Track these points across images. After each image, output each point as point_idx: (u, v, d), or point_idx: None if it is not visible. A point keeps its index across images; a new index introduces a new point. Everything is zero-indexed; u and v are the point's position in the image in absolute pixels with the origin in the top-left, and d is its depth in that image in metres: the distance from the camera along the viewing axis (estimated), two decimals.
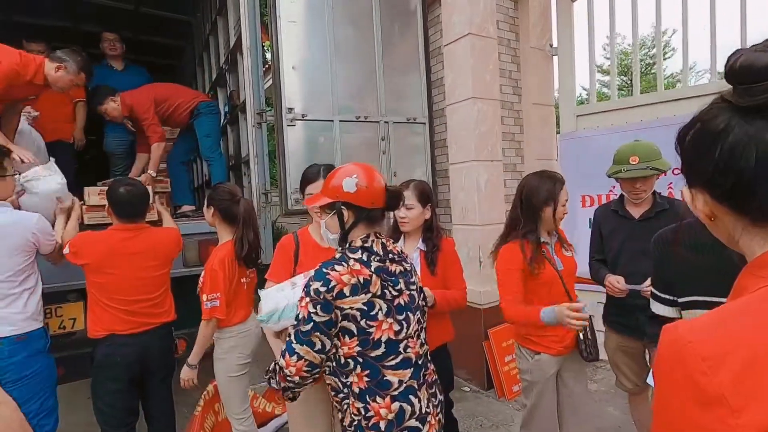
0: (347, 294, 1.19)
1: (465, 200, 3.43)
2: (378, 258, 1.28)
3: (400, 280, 1.31)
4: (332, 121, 3.19)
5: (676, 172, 2.95)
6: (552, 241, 1.92)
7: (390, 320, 1.25)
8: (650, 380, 1.01)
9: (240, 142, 3.76)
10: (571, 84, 3.80)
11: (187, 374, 2.19)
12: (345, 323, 1.21)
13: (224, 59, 4.06)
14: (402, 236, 2.01)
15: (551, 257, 1.87)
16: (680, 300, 1.26)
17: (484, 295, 3.27)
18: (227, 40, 3.93)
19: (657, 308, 1.36)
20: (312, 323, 1.18)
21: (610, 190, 3.29)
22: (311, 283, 1.20)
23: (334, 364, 1.26)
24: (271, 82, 3.56)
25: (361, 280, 1.21)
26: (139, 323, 2.12)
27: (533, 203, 1.83)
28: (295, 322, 1.22)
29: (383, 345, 1.24)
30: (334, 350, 1.24)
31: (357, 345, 1.22)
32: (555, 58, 3.89)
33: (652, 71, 15.35)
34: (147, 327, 2.14)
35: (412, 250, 1.96)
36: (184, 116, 3.62)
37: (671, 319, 1.30)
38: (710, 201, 0.56)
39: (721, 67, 2.88)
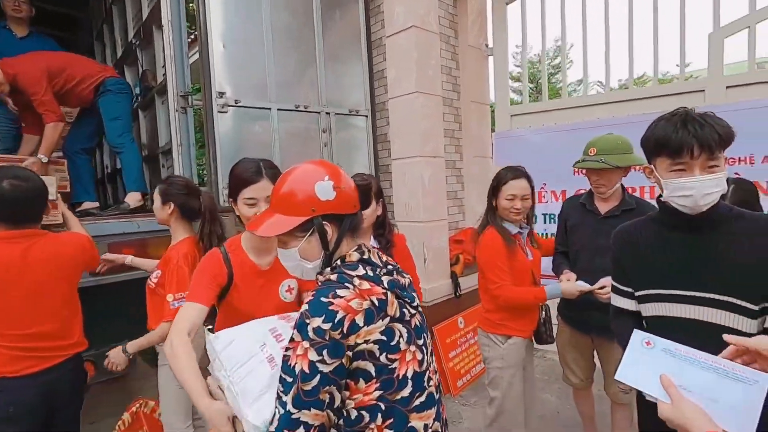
0: (361, 324, 0.90)
1: (408, 197, 3.36)
2: (385, 270, 1.02)
3: (413, 294, 1.07)
4: (269, 109, 2.91)
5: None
6: (524, 232, 2.05)
7: (413, 348, 0.99)
8: (620, 376, 0.99)
9: (156, 130, 3.29)
10: (505, 84, 3.93)
11: (117, 358, 1.94)
12: (359, 364, 0.91)
13: (134, 33, 3.52)
14: None
15: (523, 248, 2.02)
16: (637, 293, 1.29)
17: (429, 292, 3.23)
18: (139, 10, 3.41)
19: (617, 301, 1.38)
20: (318, 376, 0.87)
21: (542, 188, 3.44)
22: (307, 320, 0.89)
23: (341, 421, 0.94)
24: (193, 58, 3.17)
25: (376, 302, 0.93)
26: (40, 359, 1.66)
27: (489, 193, 2.06)
28: (288, 379, 0.88)
29: (410, 382, 0.97)
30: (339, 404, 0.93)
31: (377, 389, 0.92)
32: (491, 58, 3.99)
33: (556, 79, 16.87)
34: (51, 363, 1.69)
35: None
36: (86, 93, 2.97)
37: (632, 312, 1.33)
38: None
39: (616, 79, 3.17)
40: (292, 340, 0.91)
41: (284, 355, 0.91)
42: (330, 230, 1.01)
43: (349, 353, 0.90)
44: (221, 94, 2.67)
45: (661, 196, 1.22)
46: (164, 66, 2.82)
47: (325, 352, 0.87)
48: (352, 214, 1.05)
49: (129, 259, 2.29)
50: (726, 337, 0.91)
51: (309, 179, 1.00)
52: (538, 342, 2.09)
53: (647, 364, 0.94)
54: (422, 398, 0.98)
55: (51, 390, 1.69)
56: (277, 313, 1.45)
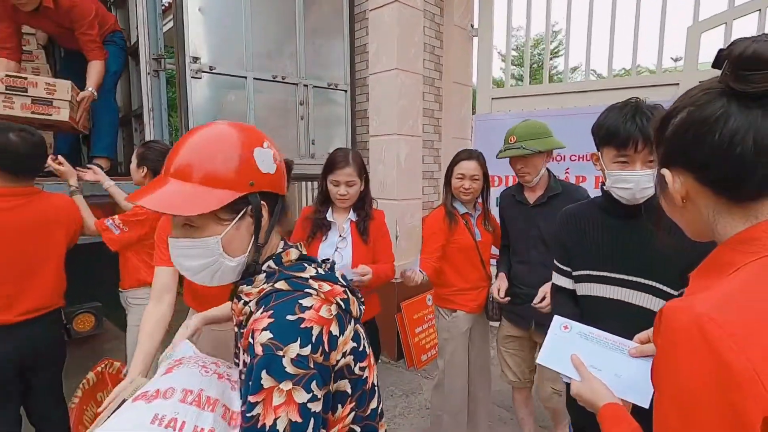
0: (337, 334, 0.72)
1: (384, 174, 3.38)
2: (327, 267, 0.85)
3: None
4: (245, 78, 2.87)
5: (574, 158, 3.16)
6: (475, 214, 2.11)
7: (369, 349, 0.83)
8: (541, 360, 1.05)
9: (130, 93, 3.22)
10: (488, 66, 3.92)
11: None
12: (339, 385, 0.74)
13: None
14: (330, 207, 1.90)
15: (471, 227, 2.07)
16: (574, 273, 1.34)
17: (401, 269, 3.29)
18: None
19: (557, 279, 1.43)
20: (312, 420, 0.65)
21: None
22: (279, 352, 0.65)
23: None
24: (170, 24, 3.08)
25: (342, 303, 0.76)
26: (20, 311, 1.72)
27: (447, 171, 2.10)
28: None
29: (376, 390, 0.83)
30: None
31: (351, 409, 0.76)
32: (475, 39, 3.97)
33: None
34: (30, 316, 1.74)
35: (343, 221, 1.90)
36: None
37: (570, 291, 1.37)
38: (691, 183, 0.58)
39: (601, 67, 3.23)
40: (254, 391, 0.64)
41: (247, 420, 0.64)
42: (265, 215, 0.78)
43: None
44: (195, 59, 2.62)
45: (604, 183, 1.27)
46: (137, 27, 2.74)
47: (313, 385, 0.66)
48: (282, 196, 0.84)
49: (108, 183, 2.29)
50: (630, 351, 0.94)
51: (245, 142, 0.76)
52: (487, 318, 2.15)
53: (565, 347, 0.99)
54: (375, 404, 0.83)
55: (28, 343, 1.75)
56: None
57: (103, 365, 2.57)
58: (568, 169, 3.52)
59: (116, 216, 2.05)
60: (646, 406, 0.83)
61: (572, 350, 0.97)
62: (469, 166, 2.00)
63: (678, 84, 3.09)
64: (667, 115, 0.60)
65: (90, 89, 2.61)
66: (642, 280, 1.17)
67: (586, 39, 3.37)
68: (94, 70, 2.67)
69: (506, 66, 3.98)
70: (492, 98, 3.85)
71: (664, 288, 1.15)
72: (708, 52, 3.12)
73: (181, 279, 1.34)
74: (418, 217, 3.55)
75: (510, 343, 2.10)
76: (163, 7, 2.96)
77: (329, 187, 1.84)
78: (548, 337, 1.06)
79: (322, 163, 3.29)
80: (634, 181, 1.14)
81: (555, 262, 1.43)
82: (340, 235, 1.87)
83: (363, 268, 1.72)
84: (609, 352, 0.94)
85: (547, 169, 1.91)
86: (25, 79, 2.29)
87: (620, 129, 1.12)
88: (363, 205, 1.91)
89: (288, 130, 3.16)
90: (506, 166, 2.05)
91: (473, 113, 4.14)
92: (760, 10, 2.82)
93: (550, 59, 17.05)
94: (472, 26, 3.95)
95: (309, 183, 5.79)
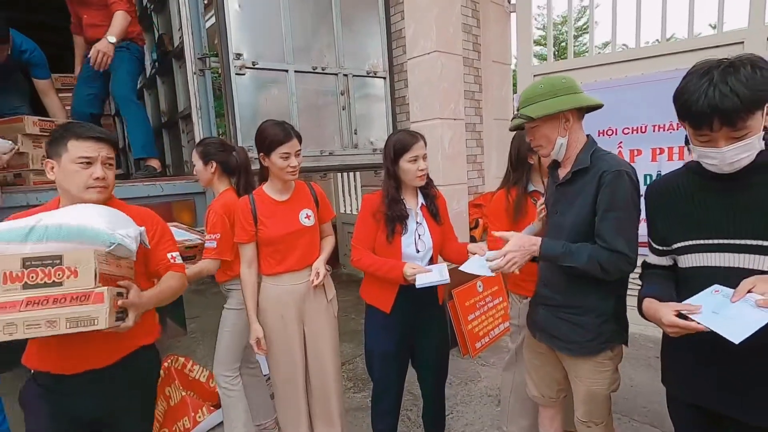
0: None
1: (428, 160, 3.32)
2: None
3: None
4: (286, 71, 2.87)
5: (627, 131, 2.92)
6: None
7: None
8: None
9: (175, 95, 3.29)
10: (528, 42, 3.78)
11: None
12: None
13: None
14: (401, 194, 1.83)
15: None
16: (674, 246, 1.25)
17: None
18: None
19: (651, 258, 1.35)
20: None
21: None
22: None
23: None
24: (209, 23, 3.12)
25: None
26: None
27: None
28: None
29: None
30: None
31: None
32: (513, 15, 3.82)
33: (579, 42, 16.09)
34: None
35: (416, 206, 1.85)
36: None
37: (663, 267, 1.31)
38: None
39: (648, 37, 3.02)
40: None
41: None
42: None
43: None
44: (238, 56, 2.64)
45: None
46: (180, 29, 2.79)
47: None
48: None
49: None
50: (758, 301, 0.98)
51: None
52: None
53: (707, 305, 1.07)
54: None
55: None
56: (301, 236, 1.91)
57: (169, 361, 2.67)
58: (621, 142, 3.35)
59: (207, 234, 2.06)
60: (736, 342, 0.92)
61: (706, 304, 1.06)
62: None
63: (743, 42, 2.86)
64: None
65: (108, 37, 2.75)
66: (755, 242, 1.07)
67: (636, 4, 3.18)
68: (117, 20, 2.79)
69: (548, 38, 3.81)
70: (534, 75, 3.70)
71: None
72: None
73: None
74: (464, 202, 3.47)
75: (534, 355, 1.70)
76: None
77: (406, 167, 1.74)
78: (697, 295, 1.10)
79: (365, 153, 3.33)
80: (718, 157, 1.05)
81: (648, 238, 1.34)
82: (417, 222, 1.83)
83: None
84: (724, 300, 1.03)
85: (589, 136, 1.47)
86: None
87: (692, 106, 1.02)
88: (429, 184, 1.87)
89: (330, 121, 3.14)
90: None
91: (514, 92, 4.01)
92: None
93: (580, 36, 16.37)
94: (509, 2, 3.80)
95: (351, 174, 5.82)
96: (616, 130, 3.35)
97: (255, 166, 2.17)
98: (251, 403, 2.25)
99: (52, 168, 1.32)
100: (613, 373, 1.47)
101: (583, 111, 1.45)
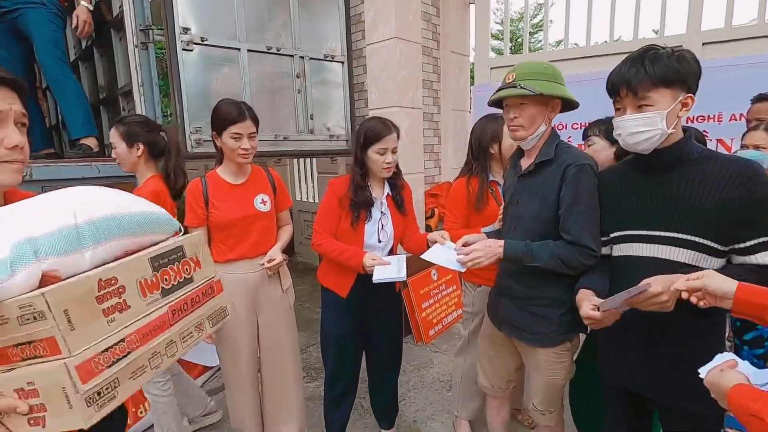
0: None
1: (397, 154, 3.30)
2: None
3: None
4: (239, 50, 2.72)
5: (576, 126, 3.02)
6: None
7: None
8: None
9: (115, 69, 3.04)
10: (485, 35, 3.82)
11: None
12: None
13: None
14: (367, 181, 1.81)
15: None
16: (612, 235, 1.31)
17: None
18: None
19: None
20: None
21: None
22: None
23: None
24: None
25: None
26: None
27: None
28: None
29: None
30: None
31: None
32: (472, 6, 3.84)
33: (535, 39, 16.58)
34: None
35: (381, 195, 1.84)
36: None
37: (606, 257, 1.34)
38: None
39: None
40: None
41: None
42: None
43: None
44: (185, 30, 2.47)
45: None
46: None
47: None
48: None
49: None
50: (675, 286, 1.00)
51: None
52: None
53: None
54: None
55: None
56: (256, 221, 1.80)
57: None
58: (570, 137, 3.49)
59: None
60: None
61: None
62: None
63: (681, 46, 3.03)
64: None
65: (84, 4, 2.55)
66: (682, 236, 1.13)
67: (586, 5, 3.29)
68: None
69: (505, 33, 3.88)
70: (491, 68, 3.76)
71: (708, 242, 1.11)
72: (709, 15, 3.08)
73: None
74: (420, 192, 3.49)
75: (490, 344, 1.71)
76: None
77: (374, 158, 1.72)
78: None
79: (321, 139, 3.26)
80: (621, 126, 1.15)
81: None
82: (381, 211, 1.83)
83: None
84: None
85: (553, 129, 1.46)
86: None
87: (609, 79, 1.17)
88: (397, 175, 1.86)
89: (285, 105, 3.03)
90: None
91: (472, 84, 4.06)
92: None
93: (536, 33, 16.89)
94: None
95: (307, 161, 5.68)
96: (566, 125, 3.48)
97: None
98: (178, 400, 2.10)
99: None
100: (570, 363, 1.51)
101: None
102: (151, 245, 0.90)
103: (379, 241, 1.82)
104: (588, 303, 1.20)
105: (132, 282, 0.79)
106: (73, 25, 2.68)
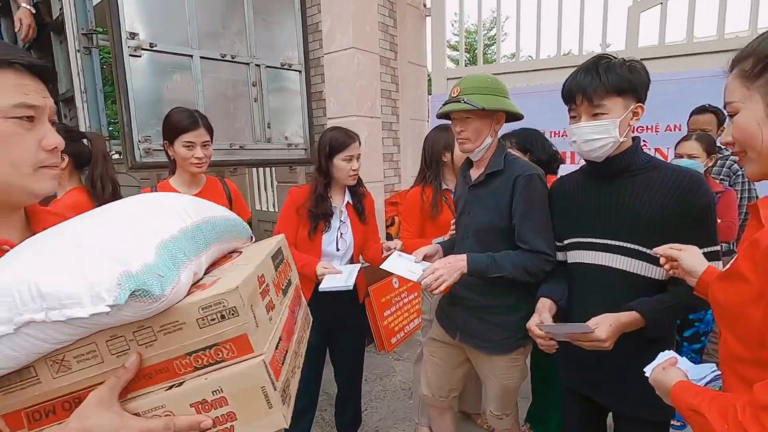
0: None
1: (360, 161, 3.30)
2: None
3: None
4: (191, 56, 2.64)
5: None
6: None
7: None
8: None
9: (57, 75, 2.87)
10: (442, 46, 3.92)
11: None
12: None
13: None
14: (328, 189, 1.83)
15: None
16: (565, 241, 1.35)
17: None
18: None
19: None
20: None
21: None
22: None
23: None
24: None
25: None
26: None
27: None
28: None
29: None
30: None
31: None
32: (428, 18, 3.94)
33: (491, 51, 17.17)
34: None
35: (341, 204, 1.85)
36: None
37: (563, 263, 1.38)
38: None
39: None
40: None
41: None
42: None
43: None
44: (132, 35, 2.37)
45: None
46: None
47: None
48: None
49: None
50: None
51: None
52: None
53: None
54: None
55: None
56: None
57: None
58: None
59: None
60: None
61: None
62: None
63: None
64: None
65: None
66: (626, 244, 1.17)
67: (536, 21, 3.46)
68: None
69: (460, 45, 4.00)
70: (447, 78, 3.86)
71: (645, 250, 1.15)
72: (646, 33, 3.31)
73: None
74: (380, 200, 3.50)
75: (436, 350, 1.71)
76: None
77: (341, 165, 1.77)
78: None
79: (279, 147, 3.21)
80: (576, 134, 1.16)
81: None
82: (341, 220, 1.83)
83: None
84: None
85: (500, 141, 1.50)
86: None
87: (565, 86, 1.18)
88: (359, 183, 1.89)
89: (241, 114, 2.97)
90: None
91: (429, 93, 4.14)
92: None
93: (492, 45, 17.50)
94: (425, 5, 3.91)
95: (266, 170, 5.57)
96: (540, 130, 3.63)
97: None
98: None
99: None
100: (524, 366, 1.55)
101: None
102: (233, 251, 0.86)
103: (338, 250, 1.82)
104: (537, 318, 1.24)
105: (271, 281, 0.76)
106: (17, 29, 2.54)
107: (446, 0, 3.79)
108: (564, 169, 2.56)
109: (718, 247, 1.12)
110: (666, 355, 0.96)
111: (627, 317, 1.11)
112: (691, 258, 0.99)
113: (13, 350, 0.52)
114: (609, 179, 1.21)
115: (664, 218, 1.12)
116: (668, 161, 2.67)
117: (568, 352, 1.31)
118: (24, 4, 2.50)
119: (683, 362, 0.94)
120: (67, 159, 1.75)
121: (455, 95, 1.41)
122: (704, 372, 0.89)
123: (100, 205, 1.80)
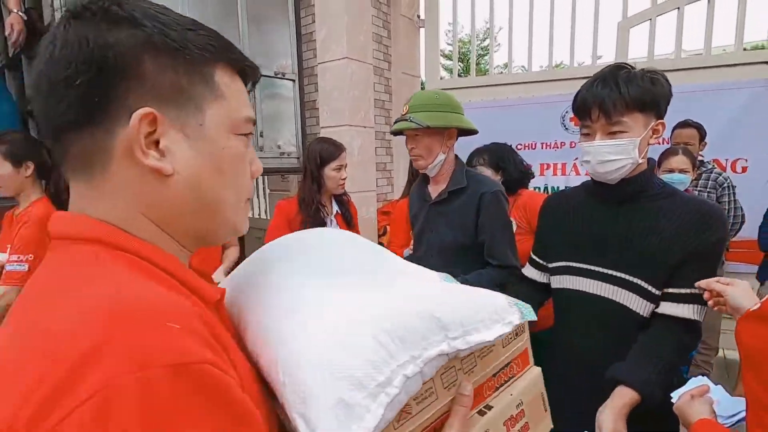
0: None
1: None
2: None
3: None
4: None
5: (520, 147, 3.17)
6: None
7: None
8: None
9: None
10: (435, 57, 3.96)
11: None
12: None
13: None
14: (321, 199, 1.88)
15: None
16: (551, 265, 1.25)
17: None
18: None
19: (526, 270, 1.36)
20: None
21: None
22: None
23: None
24: None
25: None
26: None
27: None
28: None
29: None
30: None
31: None
32: (422, 30, 3.98)
33: (485, 61, 17.37)
34: None
35: (331, 212, 1.90)
36: None
37: (537, 283, 1.31)
38: None
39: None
40: None
41: None
42: None
43: None
44: None
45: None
46: (52, 4, 2.43)
47: None
48: None
49: None
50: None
51: None
52: None
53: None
54: None
55: None
56: None
57: None
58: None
59: (13, 254, 1.62)
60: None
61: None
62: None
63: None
64: None
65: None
66: (627, 277, 1.06)
67: (527, 32, 3.51)
68: None
69: (454, 55, 4.04)
70: (440, 89, 3.88)
71: (648, 287, 1.04)
72: (635, 47, 3.38)
73: None
74: (373, 210, 3.51)
75: None
76: None
77: (331, 174, 1.82)
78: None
79: (271, 156, 3.20)
80: (591, 153, 1.03)
81: (531, 254, 1.35)
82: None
83: None
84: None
85: (457, 156, 1.49)
86: None
87: (579, 98, 1.05)
88: (344, 193, 1.93)
89: None
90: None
91: None
92: (678, 8, 3.08)
93: (485, 55, 17.71)
94: (418, 17, 3.95)
95: (258, 177, 5.55)
96: (510, 145, 3.65)
97: None
98: None
99: None
100: None
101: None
102: None
103: None
104: None
105: None
106: (7, 33, 2.53)
107: (440, 11, 3.84)
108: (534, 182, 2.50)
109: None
110: (697, 381, 0.90)
111: (620, 400, 0.95)
112: (740, 295, 0.88)
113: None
114: (615, 202, 1.09)
115: (671, 252, 1.00)
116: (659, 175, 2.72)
117: (562, 373, 1.21)
118: (15, 10, 2.50)
119: (717, 391, 0.88)
120: (32, 167, 1.71)
121: (404, 113, 1.39)
122: (736, 409, 0.84)
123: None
